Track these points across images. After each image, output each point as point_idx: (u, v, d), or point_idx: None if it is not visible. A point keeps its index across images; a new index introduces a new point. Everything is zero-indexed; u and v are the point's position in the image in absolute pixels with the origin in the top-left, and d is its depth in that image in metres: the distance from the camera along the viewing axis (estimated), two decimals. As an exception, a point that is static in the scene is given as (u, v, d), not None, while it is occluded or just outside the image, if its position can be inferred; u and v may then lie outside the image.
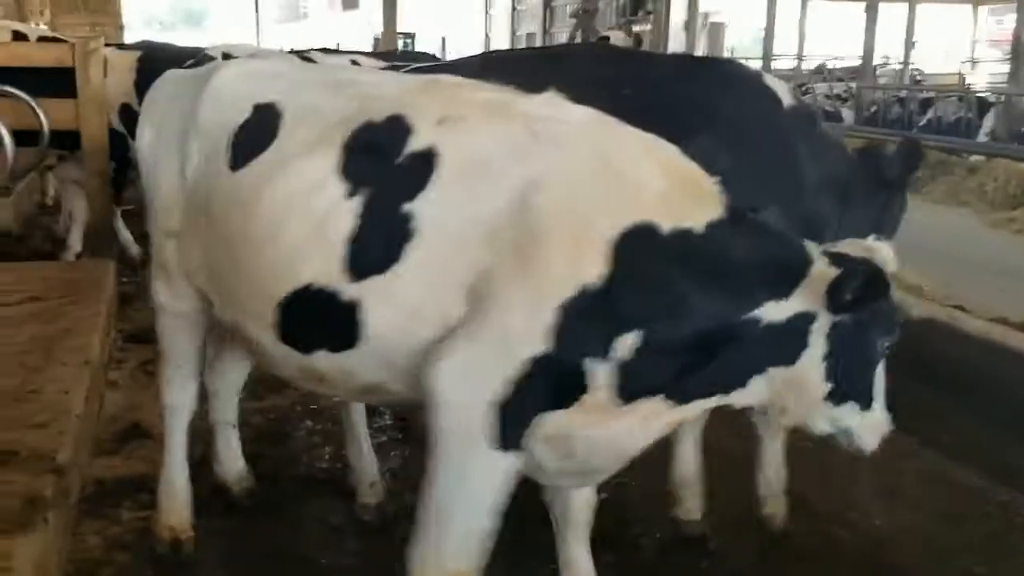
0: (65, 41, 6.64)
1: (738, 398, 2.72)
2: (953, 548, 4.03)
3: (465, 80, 2.99)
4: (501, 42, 42.01)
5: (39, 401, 3.55)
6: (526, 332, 2.47)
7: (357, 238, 2.65)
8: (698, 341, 2.55)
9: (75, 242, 7.57)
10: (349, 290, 2.65)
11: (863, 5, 19.16)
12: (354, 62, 6.30)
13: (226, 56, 5.70)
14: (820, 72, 21.62)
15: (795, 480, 4.02)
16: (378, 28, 19.79)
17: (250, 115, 2.97)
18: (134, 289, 6.95)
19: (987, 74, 25.97)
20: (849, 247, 2.76)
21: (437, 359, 2.55)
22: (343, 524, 3.96)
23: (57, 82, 5.92)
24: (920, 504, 4.37)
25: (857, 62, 19.61)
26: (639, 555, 3.85)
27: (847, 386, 2.71)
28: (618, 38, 37.64)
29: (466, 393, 2.53)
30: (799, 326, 2.60)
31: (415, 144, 2.67)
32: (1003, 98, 15.41)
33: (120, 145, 6.50)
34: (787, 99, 3.72)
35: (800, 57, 24.45)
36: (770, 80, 3.85)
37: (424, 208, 2.59)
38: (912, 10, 19.82)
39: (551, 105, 2.75)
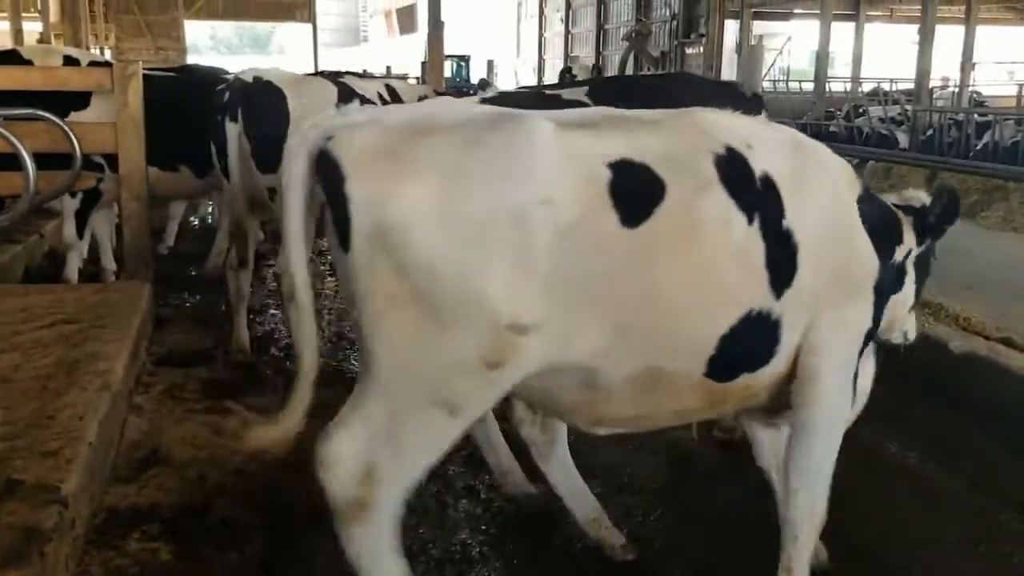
0: (111, 65, 6.75)
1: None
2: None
3: (707, 108, 3.15)
4: (558, 63, 42.21)
5: (53, 427, 3.55)
6: (865, 313, 3.24)
7: (769, 260, 2.94)
8: (888, 276, 3.36)
9: (108, 263, 7.64)
10: (775, 308, 2.99)
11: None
12: (389, 87, 6.27)
13: (257, 80, 5.55)
14: (875, 95, 21.17)
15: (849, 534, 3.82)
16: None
17: (611, 171, 2.71)
18: (172, 312, 7.00)
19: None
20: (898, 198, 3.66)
21: (821, 356, 3.12)
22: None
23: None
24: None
25: (916, 84, 19.22)
26: None
27: (916, 297, 3.66)
28: (583, 68, 38.00)
29: (843, 376, 3.21)
30: (904, 260, 3.49)
31: (757, 169, 2.98)
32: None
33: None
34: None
35: (856, 79, 24.04)
36: None
37: (794, 222, 3.00)
38: (970, 31, 19.36)
39: (769, 127, 3.27)
